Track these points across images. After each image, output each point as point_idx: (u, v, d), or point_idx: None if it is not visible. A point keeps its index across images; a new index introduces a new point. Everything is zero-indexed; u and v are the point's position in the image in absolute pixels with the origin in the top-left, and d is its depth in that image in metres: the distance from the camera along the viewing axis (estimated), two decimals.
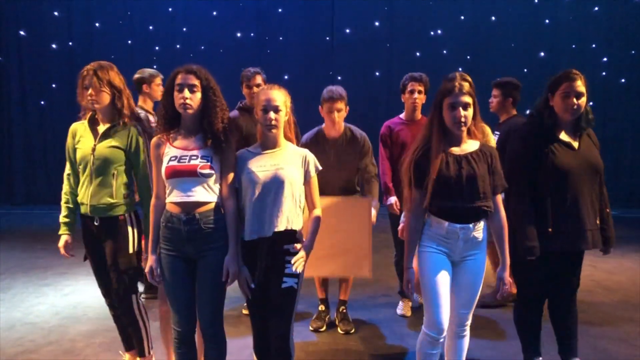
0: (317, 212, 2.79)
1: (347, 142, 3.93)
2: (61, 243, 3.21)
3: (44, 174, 9.73)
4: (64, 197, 3.21)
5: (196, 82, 2.61)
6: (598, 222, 3.04)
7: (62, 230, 3.21)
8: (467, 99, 2.59)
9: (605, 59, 9.41)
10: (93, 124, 3.14)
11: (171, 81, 2.64)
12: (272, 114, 2.64)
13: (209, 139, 2.63)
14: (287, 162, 2.69)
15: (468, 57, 9.31)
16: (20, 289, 5.16)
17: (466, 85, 2.59)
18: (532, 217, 2.90)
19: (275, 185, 2.63)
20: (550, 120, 2.95)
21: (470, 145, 2.68)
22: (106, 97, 3.05)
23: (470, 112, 2.61)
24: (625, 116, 9.37)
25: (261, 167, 2.66)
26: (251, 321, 2.83)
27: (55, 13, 9.63)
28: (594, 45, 9.39)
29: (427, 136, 2.68)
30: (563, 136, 2.98)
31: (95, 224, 3.09)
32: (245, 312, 4.45)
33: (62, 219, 3.20)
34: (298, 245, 2.70)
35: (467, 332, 2.81)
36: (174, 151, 2.63)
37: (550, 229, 2.90)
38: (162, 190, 2.69)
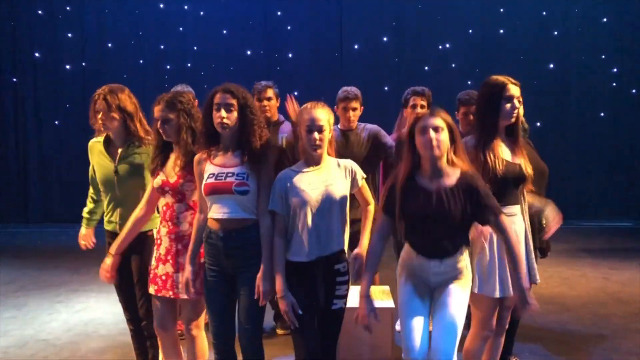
0: (371, 207, 2.82)
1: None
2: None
3: (58, 193, 9.84)
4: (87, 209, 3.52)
5: (233, 101, 2.66)
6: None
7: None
8: (439, 122, 2.45)
9: (615, 70, 9.37)
10: (109, 145, 3.23)
11: (210, 100, 2.70)
12: (316, 135, 2.60)
13: (246, 156, 2.67)
14: (334, 178, 2.67)
15: (477, 70, 9.31)
16: (34, 306, 5.21)
17: (440, 110, 2.49)
18: None
19: (328, 203, 2.62)
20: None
21: (448, 178, 2.49)
22: (115, 121, 3.15)
23: (444, 135, 2.45)
24: (636, 127, 9.29)
25: (310, 185, 2.63)
26: (303, 343, 2.66)
27: (69, 35, 9.82)
28: (603, 56, 9.35)
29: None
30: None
31: None
32: (280, 332, 4.37)
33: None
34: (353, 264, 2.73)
35: None
36: (212, 168, 2.70)
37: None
38: (205, 205, 2.76)
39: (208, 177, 2.68)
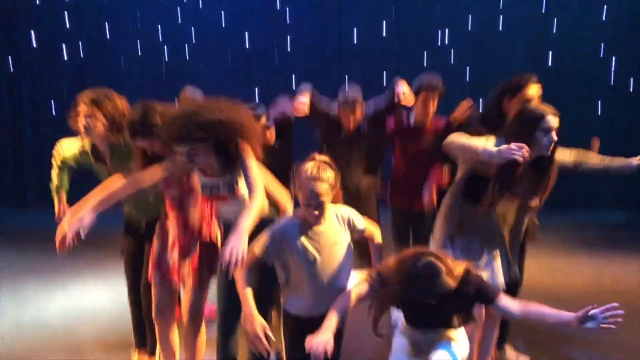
0: (378, 238, 2.76)
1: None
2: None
3: None
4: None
5: (194, 144, 2.53)
6: None
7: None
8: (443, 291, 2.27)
9: (613, 68, 9.39)
10: (97, 154, 3.27)
11: None
12: (317, 210, 2.46)
13: (229, 165, 2.63)
14: (337, 235, 2.56)
15: (475, 65, 9.34)
16: (30, 290, 5.21)
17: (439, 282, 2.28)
18: None
19: (333, 262, 2.53)
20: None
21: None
22: (100, 126, 3.12)
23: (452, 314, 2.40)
24: (634, 123, 9.31)
25: (313, 246, 2.50)
26: None
27: (66, 24, 9.78)
28: (602, 52, 9.38)
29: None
30: None
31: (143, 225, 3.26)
32: None
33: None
34: None
35: None
36: (202, 179, 2.73)
37: None
38: (148, 182, 2.72)
39: (203, 189, 2.74)
